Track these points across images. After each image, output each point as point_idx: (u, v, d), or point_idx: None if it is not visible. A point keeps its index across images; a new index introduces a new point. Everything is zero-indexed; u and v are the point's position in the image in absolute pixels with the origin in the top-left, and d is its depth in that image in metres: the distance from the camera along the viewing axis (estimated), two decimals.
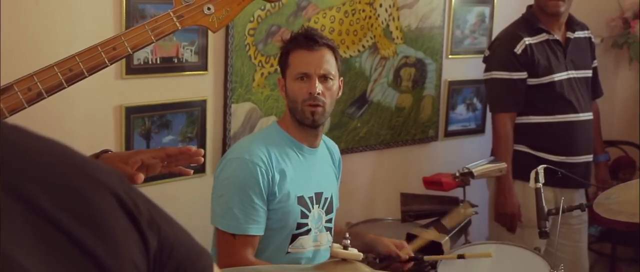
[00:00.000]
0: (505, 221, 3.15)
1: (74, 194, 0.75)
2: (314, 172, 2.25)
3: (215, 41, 2.70)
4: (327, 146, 2.40)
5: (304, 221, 2.18)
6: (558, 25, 3.20)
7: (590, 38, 3.33)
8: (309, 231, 2.20)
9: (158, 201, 2.49)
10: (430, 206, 2.97)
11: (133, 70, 2.50)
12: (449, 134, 3.67)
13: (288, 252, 2.18)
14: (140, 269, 0.79)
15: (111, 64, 1.44)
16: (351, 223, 3.19)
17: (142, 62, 2.52)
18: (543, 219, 2.49)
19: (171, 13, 1.49)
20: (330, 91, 2.16)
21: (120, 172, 0.86)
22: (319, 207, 2.24)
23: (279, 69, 2.29)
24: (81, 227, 0.73)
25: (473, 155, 3.32)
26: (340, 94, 2.26)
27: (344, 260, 1.47)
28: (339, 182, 2.46)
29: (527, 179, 2.53)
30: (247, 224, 2.10)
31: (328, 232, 2.29)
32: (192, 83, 2.68)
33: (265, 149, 2.14)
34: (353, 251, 1.47)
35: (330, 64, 2.16)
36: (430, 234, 1.72)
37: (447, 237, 2.72)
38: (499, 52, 3.21)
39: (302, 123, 2.18)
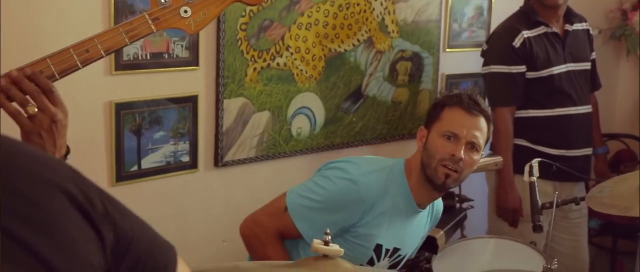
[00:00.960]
0: (507, 215, 3.12)
1: (21, 196, 0.73)
2: (406, 230, 2.17)
3: (206, 36, 2.68)
4: (431, 214, 2.31)
5: (367, 266, 2.10)
6: (556, 18, 3.17)
7: (588, 30, 3.30)
8: None
9: (153, 196, 2.49)
10: None
11: (123, 66, 2.49)
12: None
13: None
14: (96, 266, 0.77)
15: (83, 67, 1.42)
16: None
17: (131, 58, 2.50)
18: (537, 212, 2.47)
19: (147, 15, 1.47)
20: (473, 162, 2.07)
21: (71, 166, 0.84)
22: (388, 259, 2.18)
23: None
24: (30, 231, 0.72)
25: None
26: (475, 168, 2.14)
27: (325, 256, 1.46)
28: (425, 236, 2.39)
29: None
30: (304, 218, 2.03)
31: None
32: (183, 79, 2.66)
33: (380, 187, 2.05)
34: (334, 247, 1.46)
35: (482, 134, 2.07)
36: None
37: (442, 232, 2.71)
38: (498, 46, 3.18)
39: (430, 181, 2.07)
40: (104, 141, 2.51)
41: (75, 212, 0.77)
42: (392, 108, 3.35)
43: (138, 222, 0.90)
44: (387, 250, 2.15)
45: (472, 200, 2.95)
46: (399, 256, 2.21)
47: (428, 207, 2.23)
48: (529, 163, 2.54)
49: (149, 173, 2.63)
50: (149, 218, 2.70)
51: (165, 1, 1.48)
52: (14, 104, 1.36)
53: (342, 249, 1.45)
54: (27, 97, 1.36)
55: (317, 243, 1.46)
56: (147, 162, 2.62)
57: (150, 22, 1.47)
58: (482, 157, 2.93)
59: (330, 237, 1.46)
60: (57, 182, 0.77)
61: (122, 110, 2.52)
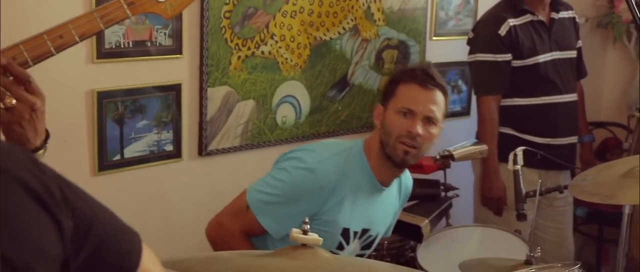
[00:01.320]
0: (492, 204, 3.12)
1: None
2: (373, 210, 2.17)
3: (189, 24, 2.65)
4: (399, 191, 2.30)
5: (338, 251, 2.11)
6: (542, 6, 3.16)
7: (574, 18, 3.29)
8: None
9: (136, 186, 2.46)
10: None
11: (104, 54, 2.46)
12: None
13: None
14: (53, 255, 0.76)
15: (57, 53, 1.40)
16: None
17: (113, 46, 2.48)
18: (521, 201, 2.47)
19: (122, 0, 1.44)
20: (432, 136, 2.06)
21: (27, 152, 0.83)
22: (358, 241, 2.17)
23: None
24: None
25: (458, 138, 3.26)
26: (436, 141, 2.13)
27: (304, 245, 1.45)
28: (398, 214, 2.39)
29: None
30: (266, 214, 2.03)
31: None
32: (166, 67, 2.64)
33: (339, 172, 2.04)
34: (313, 236, 1.45)
35: (439, 108, 2.06)
36: None
37: (426, 221, 2.70)
38: (483, 34, 3.17)
39: (390, 159, 2.06)
40: (86, 130, 2.49)
41: (30, 200, 0.76)
42: (378, 97, 3.34)
43: (100, 207, 0.89)
44: (356, 232, 2.14)
45: (458, 188, 2.94)
46: (370, 236, 2.20)
47: (395, 184, 2.23)
48: (514, 151, 2.53)
49: (132, 162, 2.61)
50: (132, 208, 2.72)
51: None
52: None
53: (320, 238, 1.44)
54: (3, 89, 1.33)
55: (295, 232, 1.45)
56: (130, 152, 2.60)
57: (125, 6, 1.44)
58: (468, 146, 2.94)
59: (308, 226, 1.45)
60: (10, 170, 0.75)
61: (104, 99, 2.50)
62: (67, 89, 2.43)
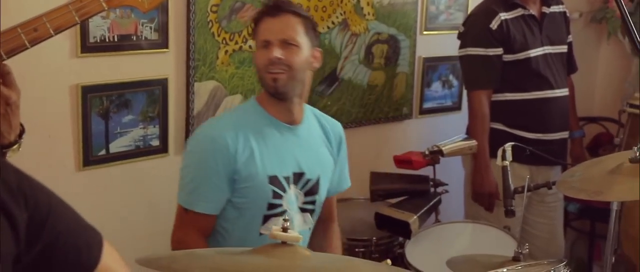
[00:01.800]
0: (483, 199, 3.10)
1: None
2: (295, 151, 2.17)
3: (176, 18, 2.63)
4: (320, 124, 2.31)
5: (276, 201, 2.12)
6: (534, 0, 3.14)
7: (565, 12, 3.26)
8: (283, 212, 2.13)
9: (121, 181, 2.45)
10: (400, 184, 2.92)
11: (89, 48, 2.43)
12: (423, 112, 3.62)
13: (261, 234, 2.12)
14: (5, 253, 0.75)
15: (31, 46, 1.37)
16: None
17: (98, 40, 2.45)
18: (509, 197, 2.45)
19: None
20: (295, 56, 2.06)
21: None
22: (296, 187, 2.17)
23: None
24: None
25: (449, 133, 3.24)
26: (316, 65, 2.16)
27: (284, 243, 1.43)
28: (342, 162, 2.38)
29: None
30: (196, 200, 2.07)
31: (307, 213, 2.21)
32: (152, 61, 2.61)
33: (234, 126, 2.08)
34: (293, 234, 1.42)
35: (294, 30, 2.07)
36: None
37: (415, 217, 2.68)
38: (474, 28, 3.14)
39: (269, 92, 2.11)
40: (71, 125, 2.47)
41: None
42: (367, 91, 3.32)
43: (59, 203, 0.88)
44: (287, 177, 2.14)
45: (447, 184, 2.92)
46: (309, 180, 2.20)
47: (314, 124, 2.26)
48: (502, 147, 2.51)
49: (117, 157, 2.58)
50: (118, 203, 2.69)
51: None
52: None
53: (301, 236, 1.42)
54: None
55: (275, 230, 1.43)
56: (116, 147, 2.57)
57: None
58: (457, 141, 2.92)
59: (288, 223, 1.43)
60: None
61: (89, 94, 2.47)
62: (51, 83, 2.40)
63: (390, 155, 2.98)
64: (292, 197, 2.16)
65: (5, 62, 1.39)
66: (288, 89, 2.08)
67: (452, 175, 3.17)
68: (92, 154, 2.52)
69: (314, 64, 2.15)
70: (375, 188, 2.89)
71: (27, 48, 1.37)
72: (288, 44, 2.06)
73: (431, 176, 2.92)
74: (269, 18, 2.08)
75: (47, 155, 2.44)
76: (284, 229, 1.43)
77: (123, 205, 2.59)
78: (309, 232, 2.26)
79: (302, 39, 2.08)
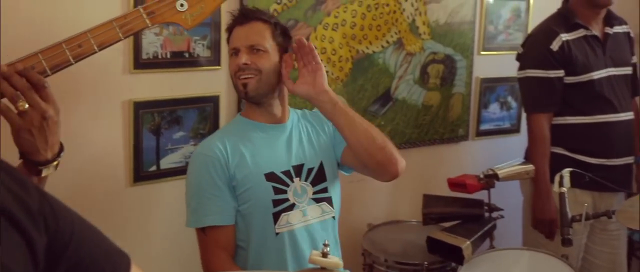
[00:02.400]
0: (543, 227, 3.00)
1: None
2: (287, 146, 2.20)
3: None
4: (305, 119, 2.32)
5: (280, 196, 2.13)
6: (596, 20, 3.03)
7: (629, 33, 3.15)
8: (292, 206, 2.13)
9: (171, 197, 2.44)
10: (453, 208, 2.85)
11: (142, 64, 2.45)
12: (480, 134, 3.53)
13: (277, 233, 2.12)
14: (19, 266, 0.73)
15: (76, 62, 1.37)
16: (372, 225, 3.09)
17: (151, 57, 2.46)
18: (566, 225, 2.35)
19: (141, 9, 1.41)
20: (263, 60, 2.11)
21: (8, 167, 0.79)
22: (300, 180, 2.17)
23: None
24: None
25: (507, 156, 3.16)
26: (286, 69, 2.16)
27: (323, 269, 1.38)
28: (326, 135, 2.32)
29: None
30: (204, 215, 2.09)
31: (324, 202, 2.21)
32: (204, 78, 2.61)
33: (220, 139, 2.14)
34: (333, 259, 1.38)
35: (261, 35, 2.12)
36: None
37: (468, 242, 2.60)
38: (534, 49, 3.05)
39: (241, 97, 2.21)
40: (123, 140, 2.48)
41: None
42: (422, 112, 3.26)
43: (85, 228, 0.85)
44: (286, 171, 2.16)
45: (502, 209, 2.83)
46: (311, 169, 2.21)
47: (292, 117, 2.27)
48: (560, 173, 2.43)
49: (168, 174, 2.58)
50: (168, 219, 2.68)
51: None
52: (4, 100, 1.32)
53: (341, 261, 1.38)
54: (18, 93, 1.32)
55: (315, 255, 1.39)
56: (166, 163, 2.57)
57: (144, 16, 1.42)
58: (514, 166, 2.83)
59: (328, 248, 1.39)
60: None
61: (141, 110, 2.48)
62: (104, 99, 2.42)
63: (445, 177, 2.91)
64: (298, 190, 2.16)
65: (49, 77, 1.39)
66: (258, 92, 2.13)
67: (509, 200, 3.07)
68: (142, 170, 2.53)
69: (287, 69, 2.16)
70: (428, 211, 2.82)
71: (71, 64, 1.38)
72: (255, 49, 2.11)
73: (486, 200, 2.84)
74: (239, 26, 2.16)
75: (99, 170, 2.45)
76: (324, 255, 1.39)
77: (173, 222, 2.59)
78: (333, 221, 2.24)
79: (270, 44, 2.13)
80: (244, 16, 2.16)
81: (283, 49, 2.17)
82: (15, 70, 1.31)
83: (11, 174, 0.78)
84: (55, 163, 1.38)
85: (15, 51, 1.42)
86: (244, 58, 2.09)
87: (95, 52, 1.40)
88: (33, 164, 1.34)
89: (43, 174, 1.36)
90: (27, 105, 1.30)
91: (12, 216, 0.73)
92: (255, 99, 2.15)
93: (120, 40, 1.41)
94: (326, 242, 1.42)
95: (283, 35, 2.19)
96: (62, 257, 0.79)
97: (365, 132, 2.10)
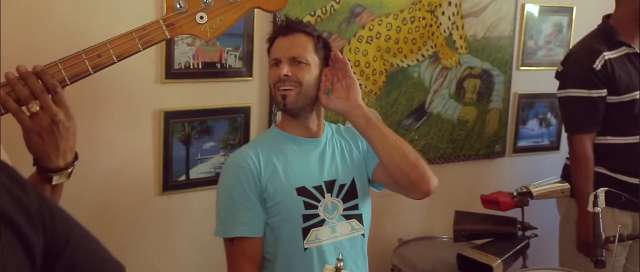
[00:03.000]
0: (590, 250, 2.91)
1: None
2: (321, 161, 2.17)
3: (261, 47, 2.63)
4: (340, 134, 2.29)
5: (311, 211, 2.10)
6: (638, 38, 2.95)
7: None
8: (322, 222, 2.11)
9: (200, 207, 2.44)
10: (485, 225, 2.80)
11: (173, 74, 2.47)
12: (518, 150, 3.47)
13: (306, 248, 2.10)
14: (17, 269, 0.74)
15: (94, 72, 1.38)
16: (403, 240, 3.05)
17: (183, 67, 2.48)
18: (599, 246, 2.27)
19: (161, 21, 1.42)
20: (304, 73, 2.08)
21: (10, 170, 0.80)
22: (331, 196, 2.14)
23: None
24: None
25: (546, 173, 3.09)
26: (325, 83, 2.13)
27: None
28: (360, 152, 2.28)
29: (608, 204, 2.32)
30: (233, 226, 2.07)
31: (354, 219, 2.18)
32: (235, 89, 2.62)
33: (253, 149, 2.12)
34: None
35: (303, 48, 2.09)
36: None
37: (499, 261, 2.55)
38: (576, 68, 2.97)
39: (279, 109, 2.16)
40: (153, 150, 2.50)
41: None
42: (457, 127, 3.21)
43: (82, 235, 0.86)
44: (318, 187, 2.13)
45: (536, 228, 2.77)
46: (343, 185, 2.17)
47: (328, 132, 2.24)
48: (594, 192, 2.35)
49: (197, 184, 2.59)
50: (196, 229, 2.68)
51: (181, 6, 1.43)
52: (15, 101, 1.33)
53: None
54: (30, 94, 1.33)
55: (328, 270, 1.38)
56: (196, 173, 2.58)
57: (164, 27, 1.42)
58: (549, 184, 2.77)
59: (342, 263, 1.38)
60: None
61: (172, 119, 2.50)
62: (135, 108, 2.44)
63: (479, 194, 2.86)
64: (329, 206, 2.13)
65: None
66: (297, 105, 2.10)
67: (545, 218, 3.01)
68: (172, 179, 2.54)
69: (326, 83, 2.13)
70: (459, 228, 2.78)
71: (90, 74, 1.39)
72: (297, 61, 2.08)
73: (520, 218, 2.78)
74: (281, 37, 2.13)
75: (128, 178, 2.48)
76: (337, 269, 1.38)
77: (201, 232, 2.59)
78: (362, 238, 2.21)
79: (312, 57, 2.10)
80: (288, 27, 2.14)
81: (324, 63, 2.15)
82: (33, 72, 1.32)
83: (11, 176, 0.78)
84: (68, 171, 1.38)
85: (51, 59, 1.43)
86: (285, 69, 2.06)
87: (114, 62, 1.40)
88: (44, 170, 1.35)
89: (54, 182, 1.36)
90: (38, 107, 1.31)
91: (10, 220, 0.73)
92: (292, 112, 2.13)
93: (139, 51, 1.41)
94: (340, 257, 1.40)
95: (325, 48, 2.17)
96: (57, 259, 0.80)
97: (398, 149, 2.07)
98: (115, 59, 1.40)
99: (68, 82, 1.37)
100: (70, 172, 1.39)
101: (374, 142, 2.07)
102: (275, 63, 2.11)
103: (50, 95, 1.31)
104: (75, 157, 1.40)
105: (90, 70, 1.39)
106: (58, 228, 0.82)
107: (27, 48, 2.17)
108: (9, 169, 0.81)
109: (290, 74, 2.06)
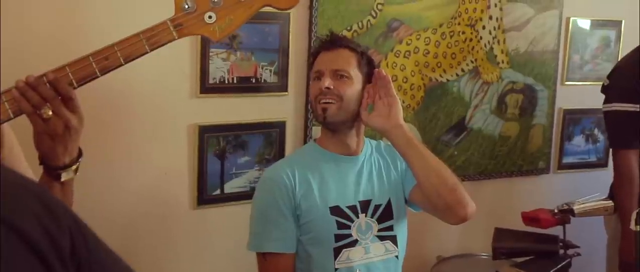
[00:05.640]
0: (631, 270, 2.82)
1: None
2: (357, 180, 2.12)
3: (296, 61, 2.64)
4: (379, 152, 2.23)
5: (343, 232, 2.06)
6: None
7: None
8: (355, 242, 2.07)
9: (233, 223, 2.44)
10: (525, 243, 2.73)
11: (208, 89, 2.49)
12: (563, 167, 3.38)
13: (337, 269, 2.06)
14: None
15: (102, 75, 1.37)
16: (442, 257, 3.00)
17: (218, 81, 2.50)
18: None
19: (168, 22, 1.40)
20: (346, 87, 2.05)
21: (43, 195, 0.77)
22: (366, 216, 2.10)
23: None
24: None
25: (592, 191, 3.00)
26: (366, 99, 2.08)
27: None
28: (398, 171, 2.22)
29: None
30: (267, 241, 2.06)
31: (388, 241, 2.13)
32: (271, 104, 2.63)
33: (289, 165, 2.10)
34: None
35: (346, 62, 2.08)
36: None
37: None
38: (622, 82, 2.90)
39: (319, 122, 2.14)
40: (187, 164, 2.52)
41: (26, 254, 0.70)
42: (499, 143, 3.15)
43: (118, 267, 0.83)
44: (352, 206, 2.09)
45: (578, 247, 2.68)
46: (378, 205, 2.13)
47: (366, 150, 2.19)
48: (637, 210, 2.28)
49: (231, 198, 2.60)
50: (230, 243, 2.69)
51: (189, 6, 1.42)
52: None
53: None
54: (44, 101, 1.33)
55: None
56: (230, 187, 2.59)
57: (172, 28, 1.40)
58: (592, 201, 2.69)
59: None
60: (9, 219, 0.69)
61: (206, 134, 2.52)
62: (170, 122, 2.47)
63: (521, 211, 2.80)
64: (363, 226, 2.09)
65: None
66: (337, 118, 2.07)
67: (589, 236, 2.92)
68: (206, 193, 2.56)
69: (367, 100, 2.09)
70: (498, 245, 2.71)
71: (97, 77, 1.37)
72: (339, 75, 2.06)
73: (562, 237, 2.70)
74: (325, 52, 2.12)
75: (163, 192, 2.50)
76: None
77: (234, 246, 2.59)
78: (396, 260, 2.16)
79: (354, 72, 2.08)
80: (332, 42, 2.13)
81: (367, 79, 2.12)
82: (47, 80, 1.32)
83: (46, 205, 0.75)
84: (74, 167, 1.39)
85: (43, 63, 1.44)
86: (327, 82, 2.05)
87: (122, 64, 1.39)
88: (51, 168, 1.37)
89: (62, 179, 1.37)
90: (50, 112, 1.32)
91: (42, 254, 0.70)
92: (332, 126, 2.11)
93: (146, 52, 1.39)
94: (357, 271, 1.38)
95: (368, 65, 2.14)
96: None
97: (436, 172, 2.02)
98: (122, 61, 1.38)
99: (75, 85, 1.36)
100: (76, 168, 1.40)
101: (413, 163, 2.03)
102: (317, 76, 2.10)
103: (64, 103, 1.32)
104: (80, 154, 1.41)
105: (98, 73, 1.37)
106: (93, 264, 0.78)
107: (21, 53, 2.17)
108: (46, 197, 0.78)
109: (331, 87, 2.04)
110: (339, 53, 2.09)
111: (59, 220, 0.74)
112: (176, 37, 1.40)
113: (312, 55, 2.18)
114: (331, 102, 2.05)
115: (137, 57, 1.39)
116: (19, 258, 0.69)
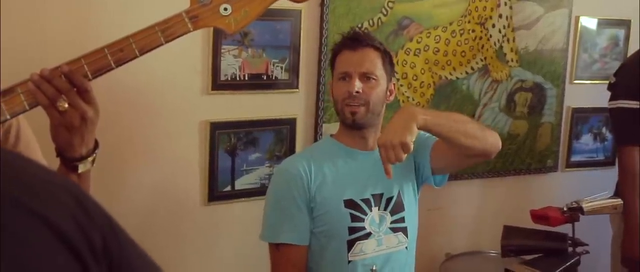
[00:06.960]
0: (632, 266, 2.83)
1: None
2: (372, 174, 2.13)
3: (307, 58, 2.64)
4: None
5: (357, 224, 2.09)
6: None
7: None
8: (368, 235, 2.09)
9: (244, 219, 2.46)
10: (534, 241, 2.74)
11: (219, 86, 2.50)
12: (571, 165, 3.39)
13: (350, 261, 2.08)
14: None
15: (117, 67, 1.38)
16: (451, 254, 3.01)
17: (229, 78, 2.51)
18: None
19: (184, 13, 1.40)
20: (374, 91, 2.09)
21: (77, 192, 0.78)
22: (379, 209, 2.13)
23: None
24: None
25: (599, 189, 3.00)
26: (391, 98, 2.16)
27: None
28: (410, 166, 2.23)
29: None
30: (280, 232, 2.08)
31: (400, 232, 2.16)
32: (281, 101, 2.64)
33: (306, 157, 2.13)
34: None
35: (373, 63, 2.10)
36: None
37: None
38: (628, 79, 2.91)
39: (348, 125, 2.14)
40: (199, 160, 2.53)
41: (61, 248, 0.70)
42: (508, 141, 3.16)
43: (146, 263, 0.84)
44: (365, 200, 2.11)
45: (587, 244, 2.69)
46: (391, 198, 2.15)
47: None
48: None
49: (242, 194, 2.61)
50: (240, 240, 2.70)
51: None
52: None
53: None
54: (59, 94, 1.33)
55: None
56: (241, 183, 2.61)
57: (187, 20, 1.40)
58: (601, 199, 2.69)
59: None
60: (43, 214, 0.70)
61: (218, 130, 2.53)
62: (182, 119, 2.48)
63: (530, 209, 2.80)
64: (376, 219, 2.11)
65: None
66: (365, 121, 2.11)
67: (597, 234, 2.92)
68: (217, 190, 2.57)
69: (389, 97, 2.15)
70: (507, 243, 2.72)
71: (112, 68, 1.38)
72: (367, 77, 2.08)
73: (570, 234, 2.71)
74: (349, 51, 2.11)
75: (174, 188, 2.51)
76: None
77: (245, 242, 2.61)
78: (406, 251, 2.18)
79: (380, 73, 2.11)
80: (357, 40, 2.13)
81: (390, 77, 2.16)
82: (61, 72, 1.33)
83: (79, 201, 0.76)
84: (90, 159, 1.40)
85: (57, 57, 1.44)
86: (357, 86, 2.07)
87: (137, 56, 1.38)
88: (69, 160, 1.38)
89: (80, 170, 1.38)
90: (66, 105, 1.32)
91: (77, 249, 0.71)
92: (359, 127, 2.13)
93: (162, 44, 1.39)
94: (374, 268, 1.39)
95: (391, 63, 2.17)
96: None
97: (464, 133, 2.02)
98: (137, 53, 1.38)
99: (90, 77, 1.36)
100: (93, 159, 1.41)
101: (441, 139, 2.07)
102: (343, 77, 2.11)
103: (80, 95, 1.33)
104: (96, 145, 1.42)
105: (113, 64, 1.37)
106: (124, 263, 0.79)
107: (27, 49, 2.18)
108: (80, 194, 0.78)
109: (361, 90, 2.06)
110: (366, 54, 2.10)
111: (90, 215, 0.74)
112: (191, 29, 1.40)
113: (333, 53, 2.18)
114: (360, 106, 2.07)
115: (152, 49, 1.39)
116: (53, 251, 0.69)
